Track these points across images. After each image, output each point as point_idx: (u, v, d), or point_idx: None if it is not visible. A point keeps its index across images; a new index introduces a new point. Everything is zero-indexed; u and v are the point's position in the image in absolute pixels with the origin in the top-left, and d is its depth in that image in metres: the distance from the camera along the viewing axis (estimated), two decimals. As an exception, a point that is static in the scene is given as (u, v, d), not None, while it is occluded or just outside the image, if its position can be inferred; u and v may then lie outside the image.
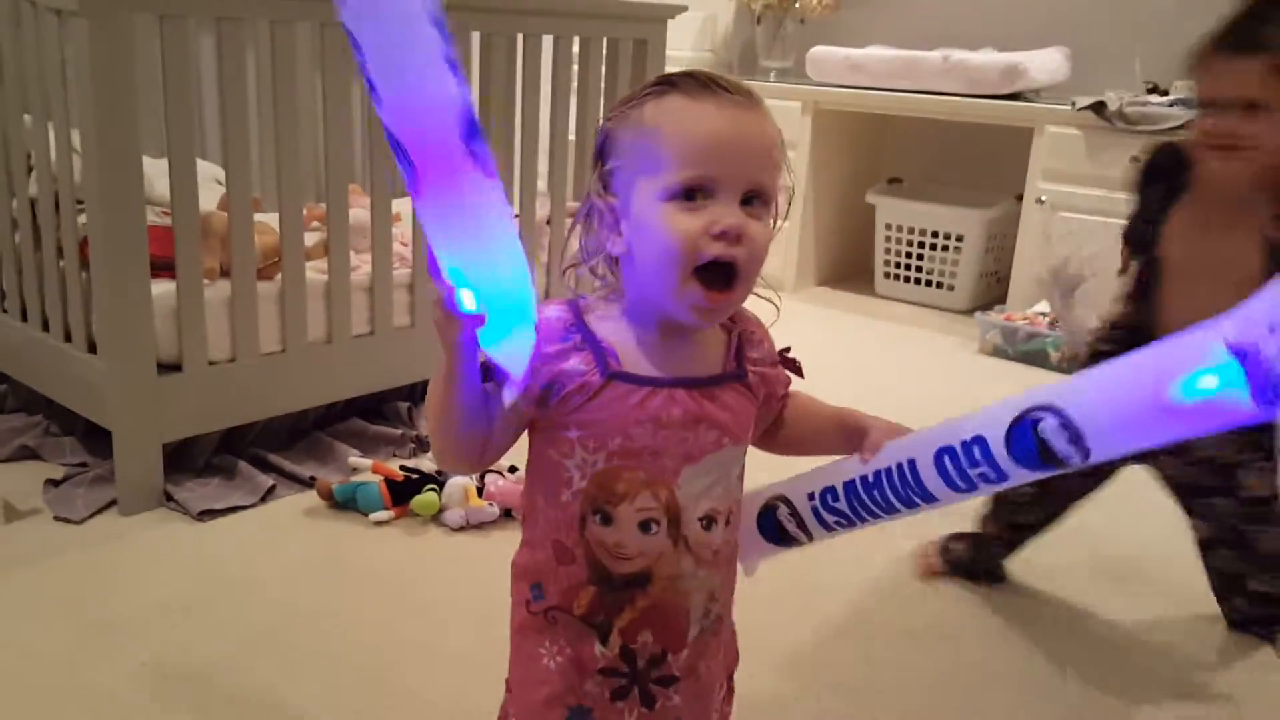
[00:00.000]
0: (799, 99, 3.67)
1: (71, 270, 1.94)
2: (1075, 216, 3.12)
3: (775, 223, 0.88)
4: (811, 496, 1.02)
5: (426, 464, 2.03)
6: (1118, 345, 1.48)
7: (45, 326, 2.06)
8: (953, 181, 3.77)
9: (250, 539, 1.85)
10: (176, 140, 1.85)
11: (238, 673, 1.48)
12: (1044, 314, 3.14)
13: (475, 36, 2.31)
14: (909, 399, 2.16)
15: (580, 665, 0.89)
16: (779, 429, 1.01)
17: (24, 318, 2.13)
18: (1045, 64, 3.32)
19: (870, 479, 0.97)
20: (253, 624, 1.60)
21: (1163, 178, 1.49)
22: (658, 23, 2.68)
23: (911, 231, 3.68)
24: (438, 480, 1.95)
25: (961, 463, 0.90)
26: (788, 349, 0.99)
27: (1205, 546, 1.66)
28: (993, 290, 3.58)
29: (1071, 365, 2.96)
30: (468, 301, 0.79)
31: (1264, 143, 1.32)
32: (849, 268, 3.99)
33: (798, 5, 3.82)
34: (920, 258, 3.69)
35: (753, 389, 0.91)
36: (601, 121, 0.91)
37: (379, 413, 2.31)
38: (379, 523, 1.90)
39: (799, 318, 3.61)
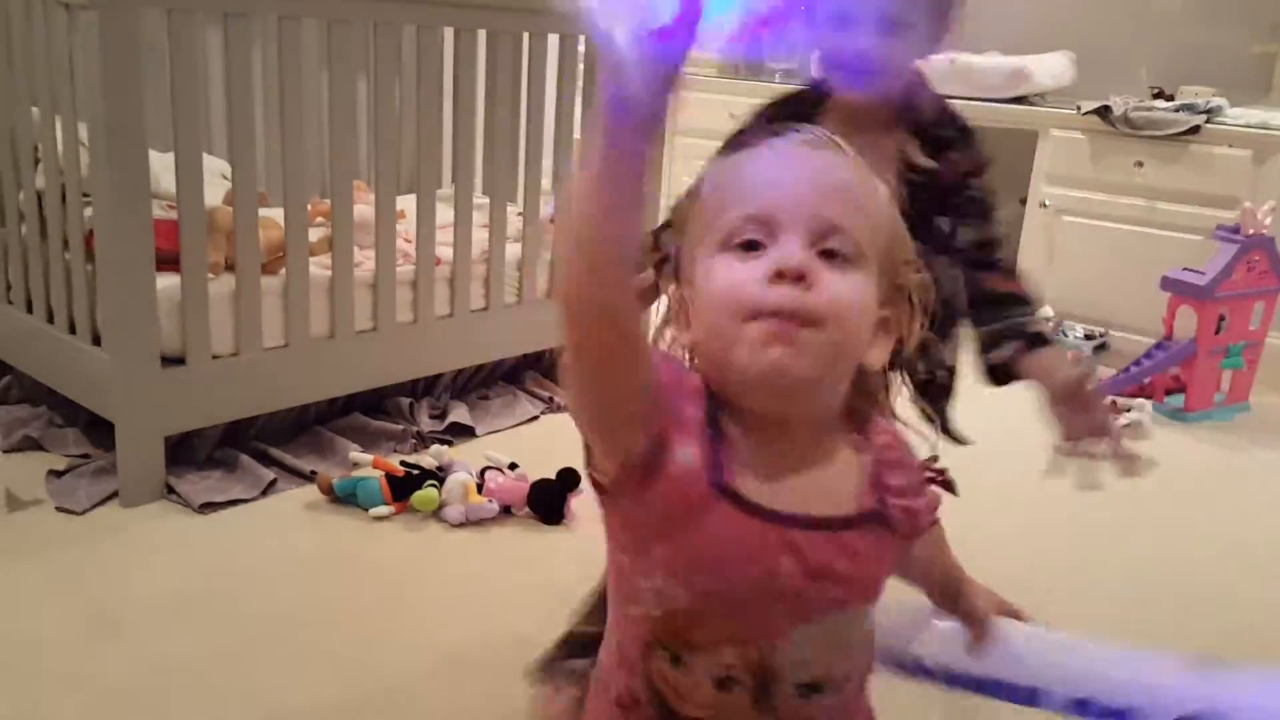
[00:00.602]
0: (804, 100, 3.66)
1: (77, 263, 1.95)
2: (1079, 220, 3.12)
3: (912, 306, 0.72)
4: (912, 662, 0.92)
5: (427, 460, 2.03)
6: None
7: (50, 318, 2.07)
8: (957, 185, 3.76)
9: (251, 532, 1.86)
10: (183, 135, 1.86)
11: (237, 665, 1.48)
12: (1048, 319, 3.14)
13: (481, 34, 2.31)
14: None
15: None
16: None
17: (29, 309, 2.14)
18: (1050, 68, 3.32)
19: (986, 682, 0.89)
20: (253, 617, 1.61)
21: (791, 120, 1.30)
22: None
23: (915, 234, 3.68)
24: (438, 476, 1.95)
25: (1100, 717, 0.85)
26: (934, 459, 0.82)
27: None
28: (996, 294, 3.57)
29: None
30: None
31: (900, 63, 1.17)
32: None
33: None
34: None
35: (894, 529, 0.71)
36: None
37: (381, 408, 2.31)
38: (379, 518, 1.91)
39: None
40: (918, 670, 0.91)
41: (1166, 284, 2.72)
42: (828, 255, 0.66)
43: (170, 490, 1.93)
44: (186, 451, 2.03)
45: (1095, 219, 3.08)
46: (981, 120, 1.35)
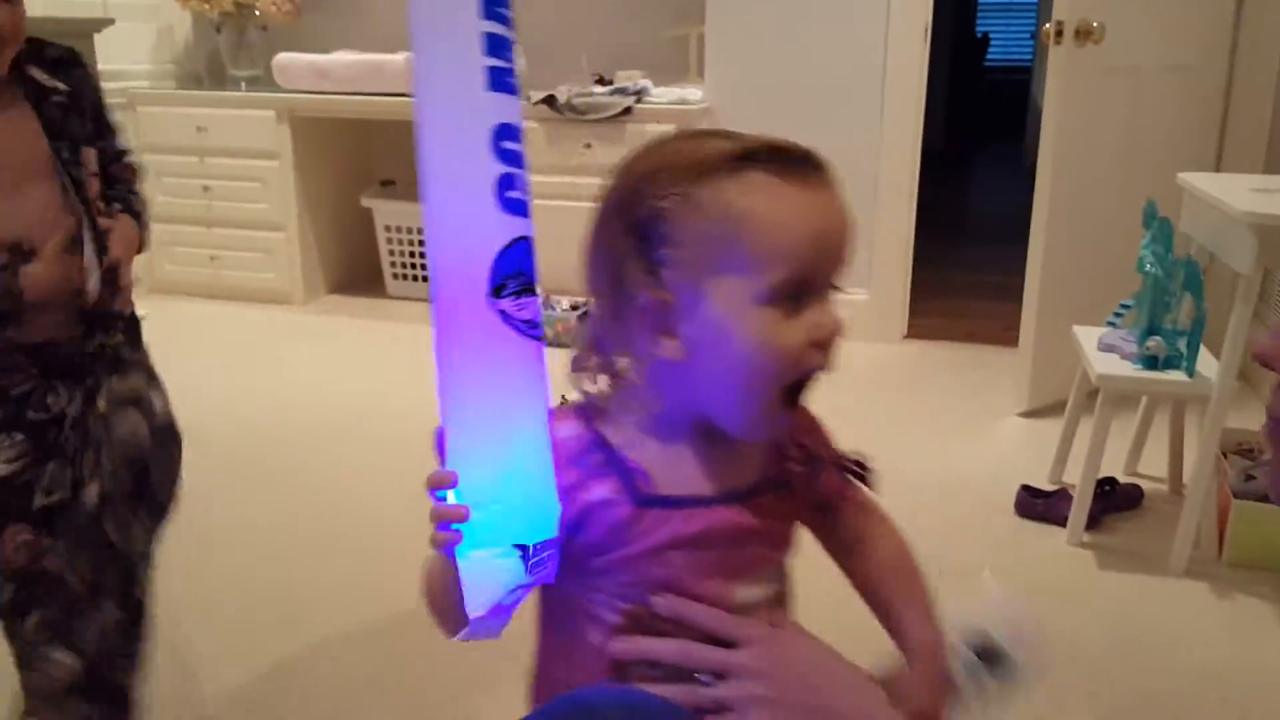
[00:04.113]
0: (273, 108, 3.57)
1: None
2: (548, 203, 3.36)
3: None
4: None
5: None
6: None
7: None
8: (442, 178, 3.89)
9: None
10: None
11: None
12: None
13: None
14: (424, 393, 2.25)
15: None
16: (843, 551, 0.87)
17: None
18: (502, 62, 3.52)
19: None
20: None
21: None
22: (81, 38, 2.48)
23: (411, 231, 3.76)
24: None
25: None
26: (853, 454, 0.86)
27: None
28: (492, 278, 3.75)
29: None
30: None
31: (16, 28, 1.19)
32: (358, 272, 3.98)
33: (257, 13, 3.71)
34: (424, 255, 3.79)
35: (796, 493, 0.80)
36: (632, 188, 0.73)
37: None
38: None
39: (309, 331, 3.54)
40: None
41: (621, 251, 3.03)
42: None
43: None
44: None
45: (559, 199, 3.31)
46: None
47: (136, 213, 1.37)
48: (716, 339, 0.70)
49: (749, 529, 0.76)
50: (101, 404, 1.27)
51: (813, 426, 0.84)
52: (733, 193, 0.69)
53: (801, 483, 0.80)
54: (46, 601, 1.26)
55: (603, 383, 0.78)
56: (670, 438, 0.76)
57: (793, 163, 0.71)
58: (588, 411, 0.77)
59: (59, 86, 1.25)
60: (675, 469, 0.75)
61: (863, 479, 0.85)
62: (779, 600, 0.82)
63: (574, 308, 3.33)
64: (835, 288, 0.73)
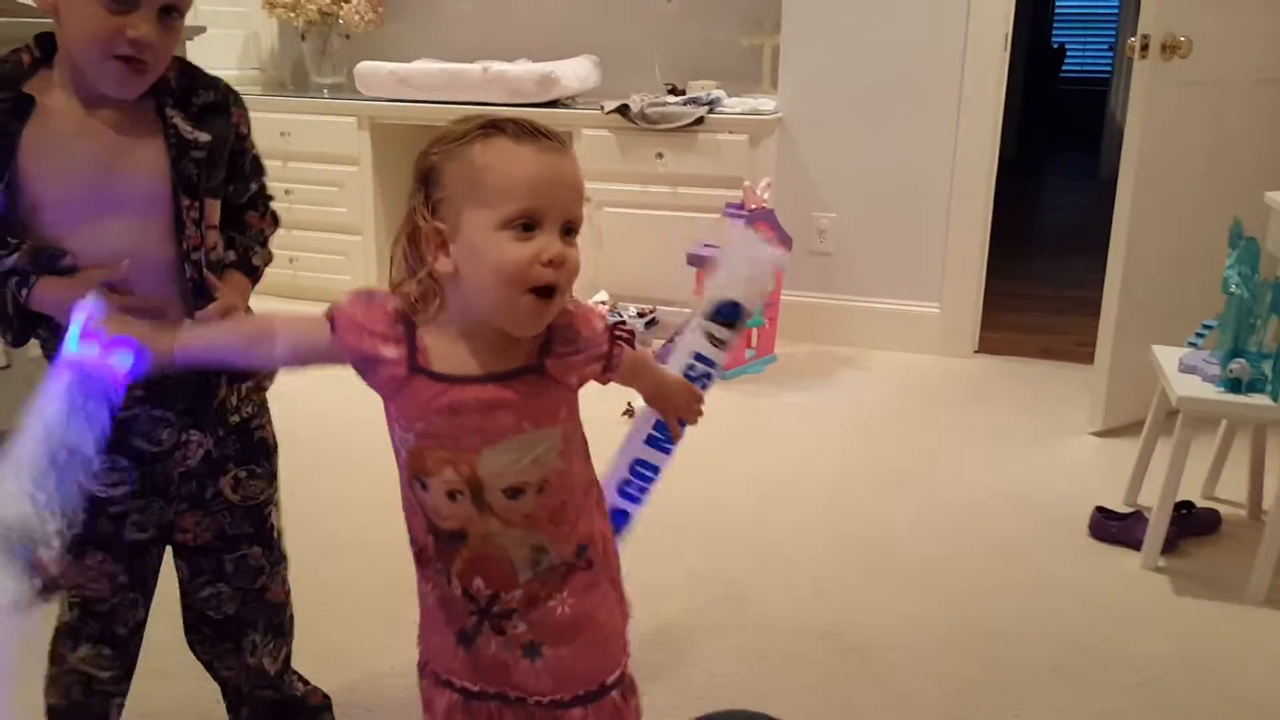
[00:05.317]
0: (354, 114, 3.66)
1: None
2: (617, 211, 3.39)
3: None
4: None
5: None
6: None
7: None
8: (515, 185, 3.93)
9: None
10: None
11: None
12: (603, 302, 3.39)
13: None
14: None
15: (446, 599, 1.06)
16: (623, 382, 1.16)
17: None
18: (576, 72, 3.57)
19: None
20: None
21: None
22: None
23: (482, 236, 3.81)
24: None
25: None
26: (621, 323, 1.09)
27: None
28: (562, 284, 3.79)
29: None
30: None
31: (166, 52, 1.15)
32: (430, 276, 4.05)
33: (341, 21, 3.81)
34: (494, 260, 3.83)
35: (554, 377, 1.02)
36: (423, 153, 0.99)
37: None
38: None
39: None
40: None
41: (691, 259, 3.04)
42: (567, 233, 0.96)
43: None
44: None
45: (630, 208, 3.36)
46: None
47: (253, 268, 1.32)
48: (472, 255, 0.95)
49: (498, 401, 0.98)
50: (225, 484, 1.32)
51: (583, 324, 1.04)
52: (479, 150, 0.95)
53: (560, 368, 1.01)
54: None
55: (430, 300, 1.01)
56: (455, 331, 0.99)
57: (527, 132, 0.96)
58: (407, 306, 1.00)
59: (200, 139, 1.20)
60: (451, 354, 0.99)
61: (629, 342, 1.09)
62: (538, 465, 1.01)
63: (641, 315, 3.35)
64: (570, 229, 0.96)
